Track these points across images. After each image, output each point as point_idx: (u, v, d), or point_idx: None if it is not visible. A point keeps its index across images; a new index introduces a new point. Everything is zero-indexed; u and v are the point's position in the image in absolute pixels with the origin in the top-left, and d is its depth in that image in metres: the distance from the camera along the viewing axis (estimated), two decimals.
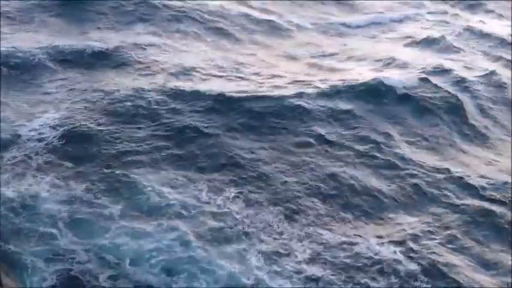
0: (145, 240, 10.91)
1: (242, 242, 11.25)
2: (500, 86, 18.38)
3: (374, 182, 12.96)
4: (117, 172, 12.41)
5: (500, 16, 26.98)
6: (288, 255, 10.94)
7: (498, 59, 21.07)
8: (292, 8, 24.46)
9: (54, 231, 10.96)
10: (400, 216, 12.05)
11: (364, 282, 10.38)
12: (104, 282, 10.01)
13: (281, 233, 11.49)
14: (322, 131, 14.49)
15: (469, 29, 23.79)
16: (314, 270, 10.60)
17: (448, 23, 24.90)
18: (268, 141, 13.92)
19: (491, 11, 27.58)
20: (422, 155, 14.13)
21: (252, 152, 13.47)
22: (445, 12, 26.45)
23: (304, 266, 10.69)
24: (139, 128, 13.85)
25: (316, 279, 10.44)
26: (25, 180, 11.89)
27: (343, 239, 11.31)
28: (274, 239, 11.33)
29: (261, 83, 16.44)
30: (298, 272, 10.56)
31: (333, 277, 10.48)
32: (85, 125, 13.69)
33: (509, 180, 13.24)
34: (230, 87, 15.84)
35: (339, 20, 24.01)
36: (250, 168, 13.01)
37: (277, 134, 14.23)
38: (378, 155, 13.77)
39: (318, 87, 16.26)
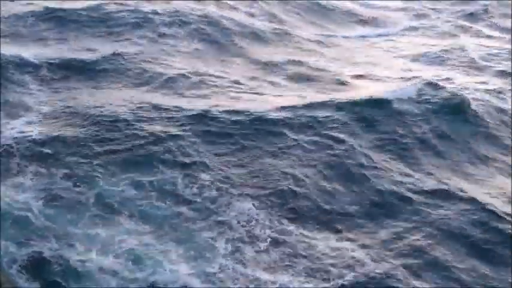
0: (116, 230, 11.30)
1: (213, 230, 11.63)
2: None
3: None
4: (95, 163, 12.85)
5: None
6: (252, 243, 11.25)
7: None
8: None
9: (29, 215, 11.44)
10: (367, 223, 12.26)
11: (319, 273, 10.66)
12: (72, 268, 10.36)
13: (249, 223, 11.81)
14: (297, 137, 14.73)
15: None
16: (274, 258, 10.97)
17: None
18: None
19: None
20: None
21: (225, 154, 13.85)
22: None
23: (264, 254, 11.02)
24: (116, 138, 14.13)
25: (274, 267, 10.78)
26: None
27: (304, 232, 11.64)
28: (243, 226, 11.67)
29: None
30: (260, 260, 10.90)
31: (290, 266, 10.84)
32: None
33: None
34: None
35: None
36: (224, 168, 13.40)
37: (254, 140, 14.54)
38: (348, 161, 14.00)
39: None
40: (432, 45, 23.70)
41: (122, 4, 21.95)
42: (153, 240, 11.23)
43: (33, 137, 13.58)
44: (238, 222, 11.82)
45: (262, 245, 11.35)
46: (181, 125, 14.54)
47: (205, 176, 12.89)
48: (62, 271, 10.18)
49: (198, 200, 12.27)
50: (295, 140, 14.37)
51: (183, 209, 12.00)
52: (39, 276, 10.00)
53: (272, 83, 17.91)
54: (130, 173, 12.75)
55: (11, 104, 15.11)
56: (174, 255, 10.96)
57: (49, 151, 13.16)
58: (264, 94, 16.92)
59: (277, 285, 10.38)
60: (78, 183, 12.33)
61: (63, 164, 12.80)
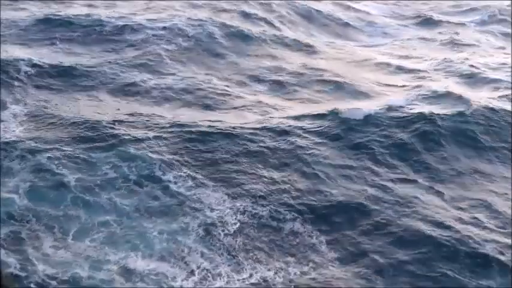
0: (95, 213, 11.83)
1: (187, 215, 12.11)
2: None
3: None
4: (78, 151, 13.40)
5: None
6: (222, 227, 11.74)
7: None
8: None
9: (14, 196, 12.03)
10: (329, 215, 12.68)
11: (280, 255, 11.23)
12: (47, 249, 10.91)
13: (221, 210, 12.26)
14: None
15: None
16: (242, 241, 11.50)
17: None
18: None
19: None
20: None
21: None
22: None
23: (231, 238, 11.56)
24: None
25: (239, 249, 11.34)
26: None
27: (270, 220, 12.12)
28: (215, 213, 12.16)
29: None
30: (227, 242, 11.44)
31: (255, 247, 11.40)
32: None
33: None
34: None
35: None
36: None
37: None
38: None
39: None
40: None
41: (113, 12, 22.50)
42: (129, 223, 11.73)
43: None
44: (211, 210, 12.25)
45: (231, 229, 11.79)
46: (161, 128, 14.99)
47: (182, 168, 13.28)
48: (36, 254, 10.69)
49: (174, 188, 12.72)
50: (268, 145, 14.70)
51: (160, 194, 12.45)
52: (13, 256, 10.51)
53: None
54: (111, 158, 13.21)
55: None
56: (149, 238, 11.44)
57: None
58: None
59: (239, 265, 10.88)
60: (61, 168, 12.85)
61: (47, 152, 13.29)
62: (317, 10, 27.38)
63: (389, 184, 13.64)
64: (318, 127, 15.62)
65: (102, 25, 21.31)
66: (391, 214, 12.58)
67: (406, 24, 28.35)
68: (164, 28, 21.47)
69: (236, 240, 11.61)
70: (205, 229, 11.82)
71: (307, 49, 22.64)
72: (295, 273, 10.89)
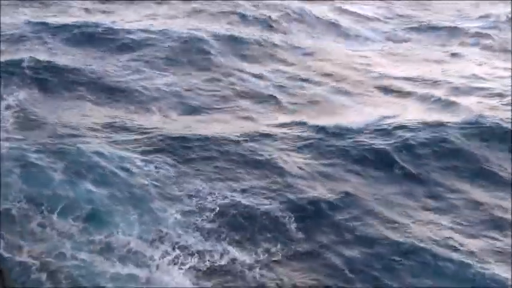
0: (78, 193, 12.71)
1: (167, 200, 12.98)
2: None
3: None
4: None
5: None
6: (200, 213, 12.61)
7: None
8: None
9: (9, 179, 12.95)
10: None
11: (257, 241, 12.10)
12: (34, 227, 11.80)
13: (201, 197, 13.10)
14: None
15: None
16: (217, 226, 12.38)
17: None
18: None
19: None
20: None
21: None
22: None
23: (209, 223, 12.41)
24: None
25: (217, 233, 12.19)
26: None
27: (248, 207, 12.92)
28: (194, 199, 13.04)
29: None
30: (204, 228, 12.30)
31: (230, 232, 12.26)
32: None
33: None
34: None
35: None
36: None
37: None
38: None
39: None
40: None
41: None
42: (111, 205, 12.60)
43: None
44: (190, 197, 13.09)
45: (210, 215, 12.61)
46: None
47: (165, 162, 14.21)
48: (22, 231, 11.57)
49: (156, 177, 13.61)
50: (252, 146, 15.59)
51: (141, 182, 13.32)
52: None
53: None
54: (97, 144, 14.13)
55: None
56: (129, 220, 12.30)
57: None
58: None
59: (212, 247, 11.73)
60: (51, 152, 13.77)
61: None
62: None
63: (364, 186, 14.27)
64: (299, 132, 16.31)
65: (99, 30, 22.10)
66: (361, 213, 13.20)
67: (400, 28, 28.76)
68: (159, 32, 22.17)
69: (212, 225, 12.43)
70: (183, 214, 12.63)
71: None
72: (263, 255, 11.69)
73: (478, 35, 27.93)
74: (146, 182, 13.40)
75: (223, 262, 11.53)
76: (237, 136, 15.70)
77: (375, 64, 22.99)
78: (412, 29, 28.85)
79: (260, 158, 14.90)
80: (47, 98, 16.99)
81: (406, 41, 26.92)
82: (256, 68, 20.95)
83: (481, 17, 31.27)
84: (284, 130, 16.45)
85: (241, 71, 20.44)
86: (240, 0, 27.67)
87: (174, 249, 11.72)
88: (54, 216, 12.09)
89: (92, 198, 12.75)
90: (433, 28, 28.77)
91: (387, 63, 23.32)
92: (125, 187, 13.18)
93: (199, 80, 19.30)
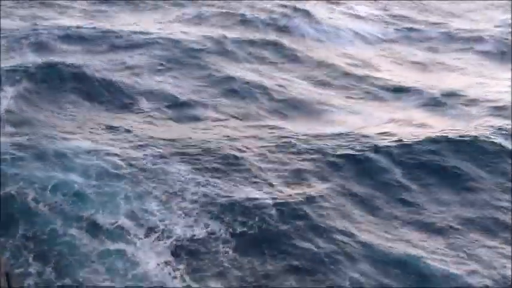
0: (69, 176, 13.69)
1: (152, 183, 13.93)
2: None
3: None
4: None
5: None
6: (183, 195, 13.64)
7: None
8: None
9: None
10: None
11: (233, 219, 13.09)
12: (31, 203, 12.78)
13: (185, 181, 14.10)
14: None
15: None
16: (199, 206, 13.43)
17: None
18: None
19: None
20: None
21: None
22: None
23: (190, 204, 13.45)
24: None
25: (198, 212, 13.24)
26: None
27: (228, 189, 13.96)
28: (178, 183, 14.04)
29: None
30: (185, 208, 13.29)
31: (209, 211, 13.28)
32: None
33: None
34: None
35: None
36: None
37: None
38: None
39: None
40: None
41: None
42: (99, 186, 13.54)
43: None
44: (174, 181, 14.06)
45: (190, 197, 13.61)
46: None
47: (153, 150, 15.24)
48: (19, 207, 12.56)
49: (143, 161, 14.62)
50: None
51: (128, 167, 14.27)
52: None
53: None
54: (84, 132, 15.08)
55: None
56: (116, 199, 13.25)
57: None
58: None
59: (193, 224, 12.79)
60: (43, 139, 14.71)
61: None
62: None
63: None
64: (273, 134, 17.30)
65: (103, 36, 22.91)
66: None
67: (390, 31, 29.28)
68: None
69: (193, 206, 13.41)
70: (167, 195, 13.61)
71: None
72: (239, 231, 12.75)
73: (474, 39, 28.11)
74: (132, 167, 14.32)
75: (202, 235, 12.51)
76: (219, 136, 16.71)
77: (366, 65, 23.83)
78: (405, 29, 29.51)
79: (239, 155, 15.84)
80: (44, 96, 17.85)
81: (396, 41, 27.64)
82: (244, 69, 21.84)
83: (475, 20, 31.84)
84: (260, 131, 17.38)
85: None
86: (237, 2, 28.25)
87: (158, 227, 12.68)
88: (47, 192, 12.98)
89: (80, 179, 13.67)
90: (422, 31, 29.37)
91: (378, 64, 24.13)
92: (112, 170, 14.11)
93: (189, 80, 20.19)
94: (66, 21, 24.13)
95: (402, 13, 31.99)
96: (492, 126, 17.67)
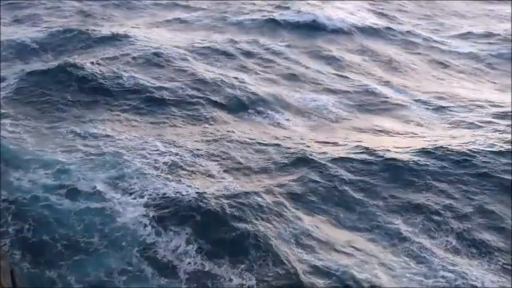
0: (55, 151, 14.74)
1: (129, 155, 14.71)
2: None
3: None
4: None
5: None
6: (155, 164, 14.42)
7: None
8: None
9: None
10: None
11: (193, 176, 13.95)
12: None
13: (158, 155, 14.90)
14: None
15: None
16: (168, 171, 14.20)
17: None
18: None
19: None
20: None
21: None
22: None
23: (160, 172, 14.23)
24: None
25: (167, 175, 13.98)
26: None
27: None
28: (152, 156, 14.81)
29: None
30: (157, 173, 14.08)
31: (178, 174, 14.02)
32: None
33: None
34: None
35: None
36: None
37: None
38: None
39: None
40: None
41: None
42: (80, 159, 14.21)
43: None
44: (149, 153, 14.85)
45: (160, 166, 14.35)
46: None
47: (130, 132, 16.10)
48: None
49: (122, 137, 15.57)
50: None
51: (109, 143, 15.15)
52: None
53: None
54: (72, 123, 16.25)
55: None
56: (95, 169, 13.98)
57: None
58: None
59: (164, 186, 13.49)
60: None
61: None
62: None
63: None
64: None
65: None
66: None
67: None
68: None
69: (163, 171, 14.26)
70: (141, 163, 14.37)
71: None
72: (203, 189, 13.49)
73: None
74: (113, 144, 15.18)
75: (170, 194, 13.26)
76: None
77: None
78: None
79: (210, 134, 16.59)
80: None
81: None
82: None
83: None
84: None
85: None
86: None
87: (133, 188, 13.40)
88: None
89: (65, 156, 14.52)
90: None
91: None
92: (93, 148, 15.02)
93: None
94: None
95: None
96: None
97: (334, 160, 14.97)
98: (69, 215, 12.65)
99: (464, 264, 11.87)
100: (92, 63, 19.83)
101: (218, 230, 12.25)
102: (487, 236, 12.72)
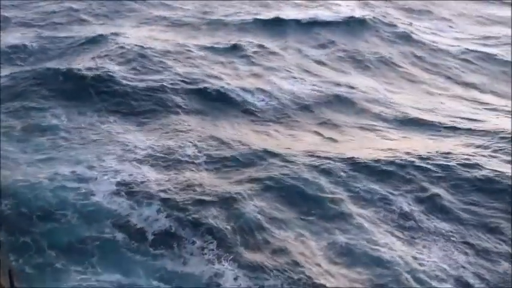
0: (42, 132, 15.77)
1: (110, 145, 15.41)
2: None
3: None
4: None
5: None
6: (134, 151, 15.14)
7: None
8: None
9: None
10: None
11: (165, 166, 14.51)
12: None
13: (134, 141, 15.65)
14: None
15: None
16: (147, 158, 14.94)
17: None
18: None
19: None
20: None
21: None
22: None
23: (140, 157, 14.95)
24: None
25: (146, 161, 14.77)
26: None
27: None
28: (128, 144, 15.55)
29: None
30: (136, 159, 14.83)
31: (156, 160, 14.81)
32: None
33: None
34: None
35: None
36: None
37: None
38: None
39: None
40: None
41: None
42: (66, 145, 15.12)
43: None
44: (127, 143, 15.59)
45: (140, 152, 15.06)
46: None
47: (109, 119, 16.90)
48: None
49: (102, 126, 16.34)
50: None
51: (92, 130, 15.99)
52: None
53: None
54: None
55: None
56: (77, 154, 14.79)
57: None
58: None
59: (142, 174, 14.21)
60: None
61: None
62: None
63: None
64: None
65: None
66: None
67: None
68: None
69: (142, 157, 14.89)
70: (122, 150, 15.02)
71: None
72: (172, 176, 14.13)
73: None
74: (96, 131, 16.02)
75: (150, 177, 13.94)
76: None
77: None
78: None
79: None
80: None
81: None
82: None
83: None
84: None
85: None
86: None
87: (111, 172, 14.10)
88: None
89: (50, 136, 15.59)
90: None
91: None
92: (78, 133, 15.85)
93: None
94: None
95: None
96: None
97: None
98: (46, 192, 13.39)
99: None
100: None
101: (186, 203, 12.99)
102: None
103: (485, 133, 16.99)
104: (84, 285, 10.69)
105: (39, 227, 12.07)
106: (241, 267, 11.12)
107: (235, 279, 10.91)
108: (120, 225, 12.27)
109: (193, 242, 11.61)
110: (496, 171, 14.71)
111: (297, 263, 11.38)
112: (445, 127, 17.50)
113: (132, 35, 22.97)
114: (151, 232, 11.96)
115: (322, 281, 10.94)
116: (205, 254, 11.29)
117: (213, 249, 11.42)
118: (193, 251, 11.37)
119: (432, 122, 17.76)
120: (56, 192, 13.25)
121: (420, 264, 11.64)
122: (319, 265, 11.33)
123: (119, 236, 11.96)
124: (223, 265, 11.10)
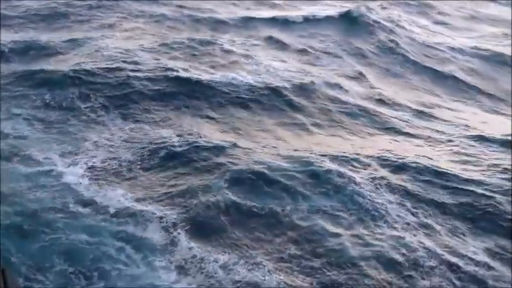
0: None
1: (89, 134, 15.91)
2: None
3: None
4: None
5: None
6: (111, 141, 15.69)
7: None
8: None
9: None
10: None
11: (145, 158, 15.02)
12: None
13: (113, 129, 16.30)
14: None
15: None
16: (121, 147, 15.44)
17: None
18: None
19: None
20: None
21: None
22: None
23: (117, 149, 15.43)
24: None
25: (124, 153, 15.20)
26: None
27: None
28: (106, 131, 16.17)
29: None
30: (114, 150, 15.31)
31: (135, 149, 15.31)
32: None
33: None
34: None
35: None
36: None
37: None
38: None
39: None
40: None
41: None
42: (46, 136, 15.70)
43: None
44: (105, 130, 16.15)
45: (117, 142, 15.60)
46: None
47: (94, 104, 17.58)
48: None
49: (90, 114, 16.93)
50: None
51: (76, 121, 16.58)
52: None
53: None
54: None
55: None
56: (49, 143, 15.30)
57: None
58: None
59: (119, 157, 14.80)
60: None
61: None
62: None
63: None
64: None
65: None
66: None
67: None
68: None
69: (119, 149, 15.32)
70: (100, 137, 15.64)
71: None
72: (147, 159, 14.77)
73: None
74: (75, 118, 16.63)
75: (123, 169, 14.46)
76: None
77: None
78: None
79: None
80: None
81: None
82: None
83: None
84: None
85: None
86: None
87: (89, 163, 14.43)
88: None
89: (34, 126, 16.02)
90: None
91: None
92: (60, 121, 16.37)
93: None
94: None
95: None
96: None
97: None
98: (19, 176, 14.01)
99: None
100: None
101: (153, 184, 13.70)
102: None
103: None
104: (56, 243, 11.34)
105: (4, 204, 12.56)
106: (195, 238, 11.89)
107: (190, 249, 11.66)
108: (84, 202, 12.77)
109: (154, 213, 12.32)
110: None
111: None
112: None
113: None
114: (115, 207, 12.57)
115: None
116: (163, 222, 12.01)
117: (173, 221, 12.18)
118: (153, 220, 12.10)
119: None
120: (29, 178, 13.75)
121: None
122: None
123: (84, 211, 12.43)
124: (179, 233, 11.84)
